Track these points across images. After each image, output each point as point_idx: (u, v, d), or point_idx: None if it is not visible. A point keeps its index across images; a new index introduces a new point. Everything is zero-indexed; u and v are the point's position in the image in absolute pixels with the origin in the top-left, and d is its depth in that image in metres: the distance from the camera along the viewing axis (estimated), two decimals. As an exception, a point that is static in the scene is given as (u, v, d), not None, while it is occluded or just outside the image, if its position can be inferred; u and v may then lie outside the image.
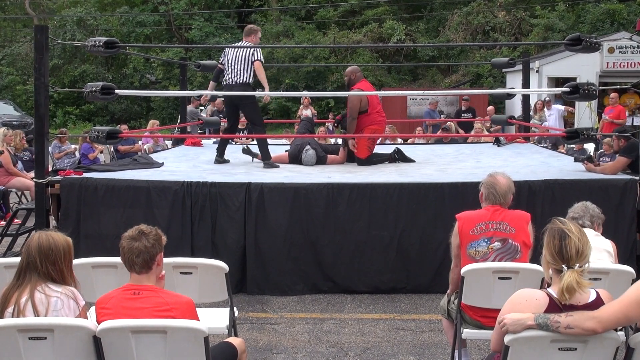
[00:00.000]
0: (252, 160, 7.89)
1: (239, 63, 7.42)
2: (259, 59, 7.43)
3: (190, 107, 12.30)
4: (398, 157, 8.01)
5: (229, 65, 7.50)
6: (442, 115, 15.45)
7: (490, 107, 15.16)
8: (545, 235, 2.74)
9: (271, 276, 5.76)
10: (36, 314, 2.84)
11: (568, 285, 2.59)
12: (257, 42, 7.74)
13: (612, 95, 13.23)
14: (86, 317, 2.95)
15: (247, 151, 8.06)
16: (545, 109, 13.71)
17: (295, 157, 7.88)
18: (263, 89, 7.68)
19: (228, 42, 25.43)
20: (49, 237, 2.96)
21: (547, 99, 14.02)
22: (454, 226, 3.94)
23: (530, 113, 11.69)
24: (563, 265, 2.63)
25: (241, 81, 7.43)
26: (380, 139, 9.37)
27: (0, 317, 2.86)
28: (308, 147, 7.82)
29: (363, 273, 5.77)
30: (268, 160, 7.51)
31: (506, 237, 3.83)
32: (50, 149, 10.62)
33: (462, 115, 14.92)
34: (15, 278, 2.93)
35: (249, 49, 7.43)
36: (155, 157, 7.95)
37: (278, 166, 7.47)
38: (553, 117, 13.65)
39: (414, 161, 7.90)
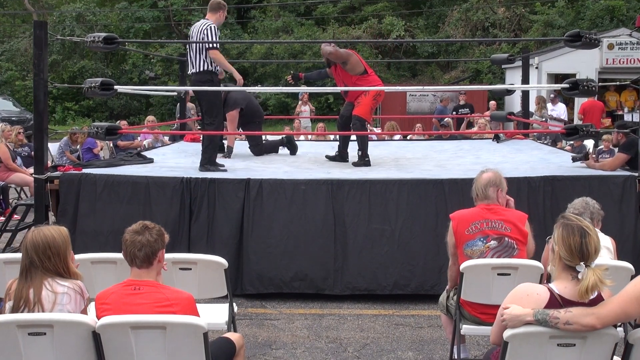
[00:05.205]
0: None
1: (193, 48, 6.44)
2: (214, 45, 6.35)
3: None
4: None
5: (188, 51, 6.60)
6: (461, 111, 15.11)
7: (493, 102, 15.06)
8: (560, 230, 2.69)
9: (269, 274, 5.73)
10: (41, 309, 2.84)
11: (593, 284, 2.59)
12: (222, 21, 6.69)
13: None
14: (86, 313, 2.95)
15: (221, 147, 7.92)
16: (550, 104, 13.67)
17: None
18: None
19: (227, 38, 25.42)
20: (41, 232, 2.94)
21: (552, 95, 13.99)
22: (449, 226, 3.94)
23: (532, 110, 11.64)
24: (581, 263, 2.62)
25: (196, 70, 6.50)
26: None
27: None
28: None
29: (363, 272, 5.75)
30: (206, 165, 6.42)
31: (502, 235, 3.82)
32: (61, 144, 10.60)
33: (460, 110, 14.87)
34: (22, 276, 2.92)
35: (202, 31, 6.41)
36: (154, 153, 7.94)
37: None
38: (555, 114, 13.61)
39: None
